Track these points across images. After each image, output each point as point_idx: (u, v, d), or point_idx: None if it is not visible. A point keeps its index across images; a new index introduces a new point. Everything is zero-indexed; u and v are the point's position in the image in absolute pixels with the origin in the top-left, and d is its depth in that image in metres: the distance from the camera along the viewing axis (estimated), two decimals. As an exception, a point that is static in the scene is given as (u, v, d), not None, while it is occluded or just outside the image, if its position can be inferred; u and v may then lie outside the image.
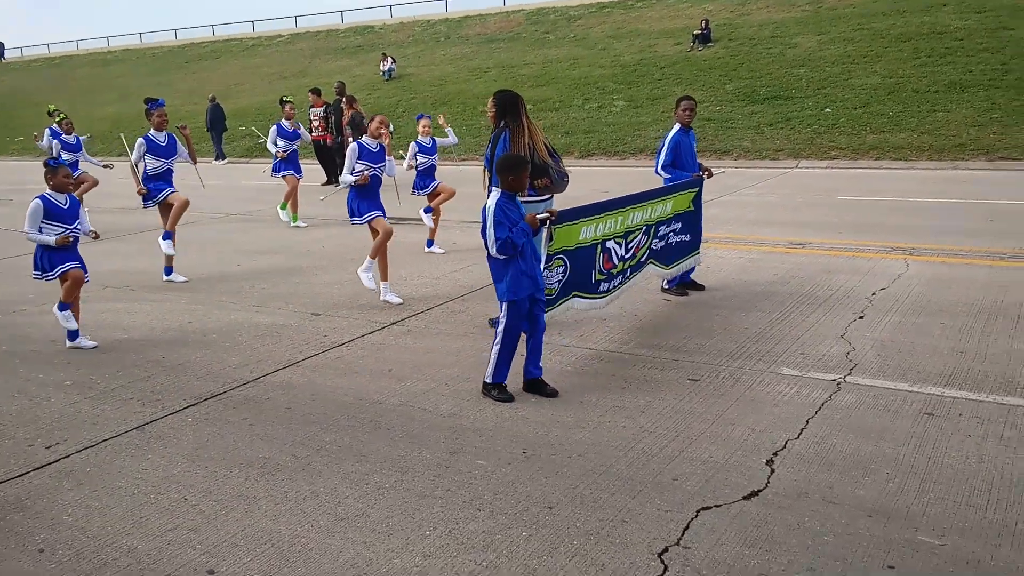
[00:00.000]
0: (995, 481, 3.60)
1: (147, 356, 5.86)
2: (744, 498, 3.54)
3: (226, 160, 23.33)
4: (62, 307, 6.00)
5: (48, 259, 5.89)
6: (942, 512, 3.36)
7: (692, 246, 6.84)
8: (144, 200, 8.12)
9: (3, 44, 52.46)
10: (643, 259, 6.12)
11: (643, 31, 28.35)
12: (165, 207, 8.14)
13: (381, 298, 7.07)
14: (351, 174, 6.94)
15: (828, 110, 17.97)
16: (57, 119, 12.28)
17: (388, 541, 3.30)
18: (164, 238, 8.15)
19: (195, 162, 8.46)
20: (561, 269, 5.11)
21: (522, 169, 4.65)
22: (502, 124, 5.79)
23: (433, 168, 9.18)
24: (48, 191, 5.88)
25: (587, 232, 5.30)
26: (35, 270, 5.93)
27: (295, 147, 11.59)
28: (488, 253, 4.67)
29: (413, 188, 9.25)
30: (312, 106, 16.12)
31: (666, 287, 6.96)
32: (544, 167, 5.75)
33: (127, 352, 5.98)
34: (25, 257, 6.78)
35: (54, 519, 3.58)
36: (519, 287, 4.62)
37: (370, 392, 4.98)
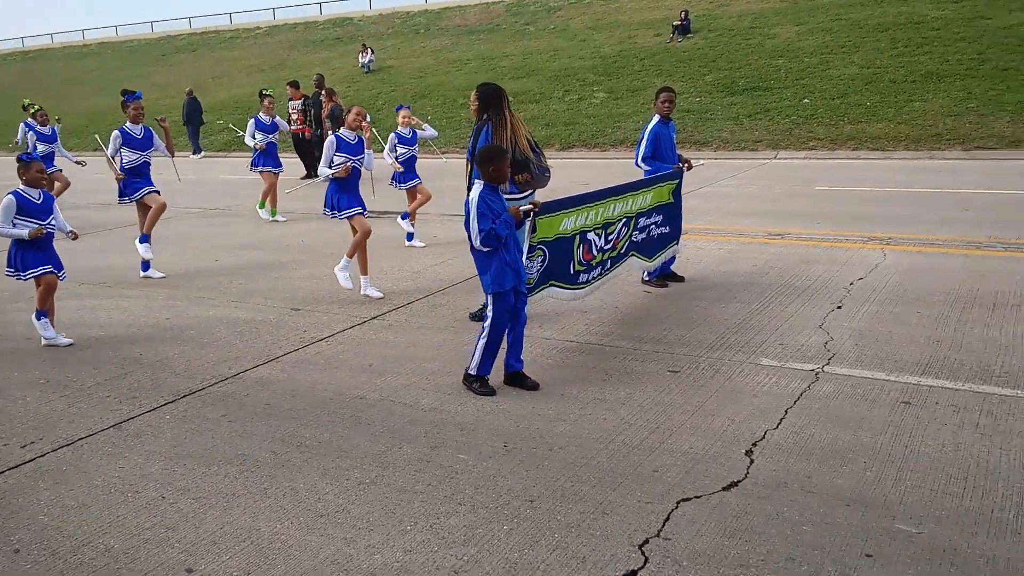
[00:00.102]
0: (971, 469, 3.64)
1: (124, 353, 5.81)
2: (724, 489, 3.55)
3: (202, 154, 23.12)
4: (39, 315, 5.94)
5: (22, 259, 5.80)
6: (919, 500, 3.40)
7: (672, 237, 6.87)
8: (120, 195, 8.03)
9: (-25, 37, 51.75)
10: (624, 251, 6.13)
11: (623, 22, 28.35)
12: (143, 206, 8.05)
13: (361, 292, 7.04)
14: (329, 167, 6.89)
15: (806, 101, 18.06)
16: (31, 111, 12.13)
17: (369, 537, 3.29)
18: (141, 241, 8.06)
19: (173, 155, 8.37)
20: (540, 259, 5.12)
21: (502, 159, 4.64)
22: (485, 117, 5.76)
23: (414, 159, 9.12)
24: (21, 186, 5.79)
25: (568, 223, 5.31)
26: (8, 267, 5.85)
27: (274, 140, 11.50)
28: (472, 246, 4.66)
29: (393, 179, 9.17)
30: (290, 99, 16.00)
31: (646, 279, 6.97)
32: (525, 162, 5.73)
33: (104, 349, 5.92)
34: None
35: (30, 519, 3.54)
36: (504, 279, 4.61)
37: (350, 387, 4.96)
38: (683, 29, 24.73)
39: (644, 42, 25.35)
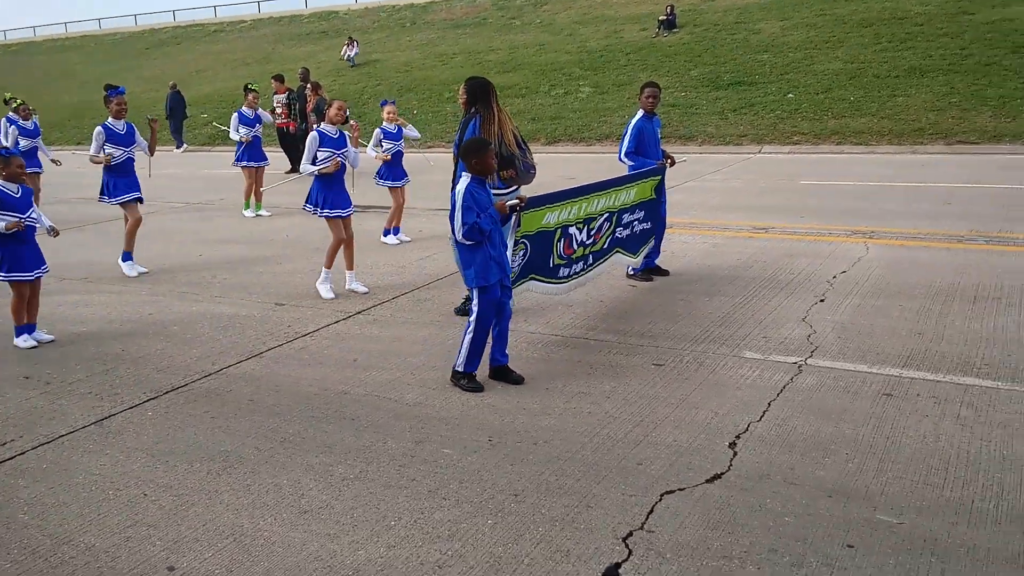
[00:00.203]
0: (952, 460, 3.67)
1: (106, 349, 5.76)
2: (707, 481, 3.57)
3: (184, 148, 22.93)
4: (18, 331, 5.88)
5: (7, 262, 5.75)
6: (900, 491, 3.42)
7: (652, 232, 6.87)
8: (102, 194, 7.92)
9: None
10: (606, 247, 6.13)
11: (609, 16, 28.34)
12: (131, 207, 7.95)
13: (346, 287, 7.01)
14: (313, 164, 6.79)
15: (791, 95, 18.12)
16: (13, 106, 11.98)
17: (353, 533, 3.28)
18: (124, 259, 8.03)
19: (152, 154, 8.26)
20: (523, 252, 5.13)
21: (485, 151, 4.62)
22: (473, 110, 5.75)
23: (400, 155, 9.04)
24: (0, 181, 5.73)
25: (551, 218, 5.32)
26: None
27: (258, 133, 11.42)
28: (455, 239, 4.64)
29: (378, 176, 9.08)
30: (275, 92, 15.90)
31: (631, 273, 6.98)
32: (511, 158, 5.71)
33: (85, 345, 5.87)
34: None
35: (9, 517, 3.50)
36: (488, 273, 4.60)
37: (335, 382, 4.94)
38: (669, 24, 24.76)
39: (630, 37, 25.35)
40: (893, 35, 20.36)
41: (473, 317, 4.69)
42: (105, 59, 39.67)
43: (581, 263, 5.81)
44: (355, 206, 7.20)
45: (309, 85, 15.82)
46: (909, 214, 9.14)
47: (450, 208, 4.63)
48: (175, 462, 3.96)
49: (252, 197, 11.37)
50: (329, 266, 6.92)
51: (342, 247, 6.92)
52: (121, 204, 7.90)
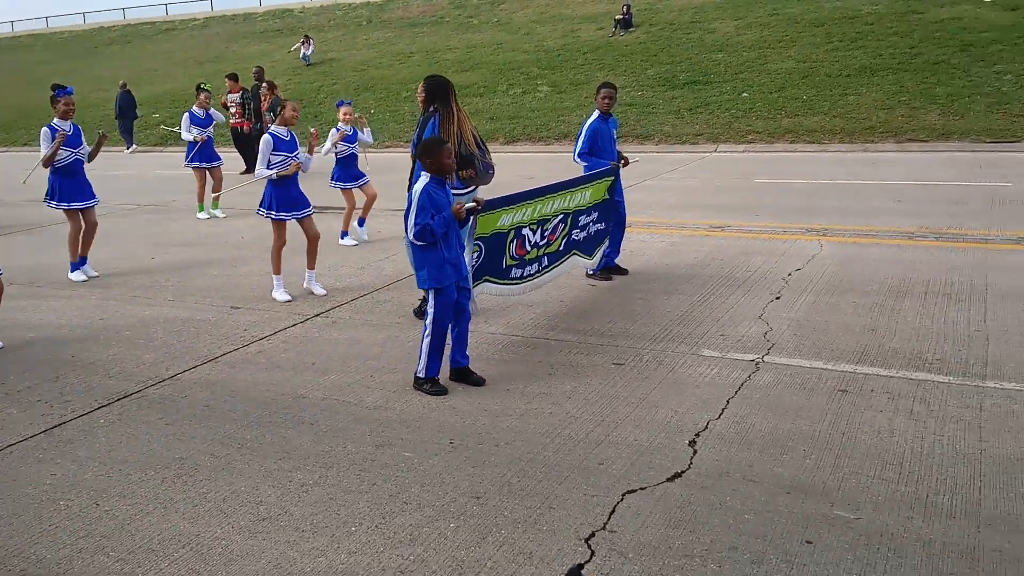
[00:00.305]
0: (906, 455, 3.74)
1: (56, 355, 5.61)
2: (668, 480, 3.59)
3: (134, 148, 22.46)
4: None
5: None
6: (856, 487, 3.48)
7: (606, 232, 6.89)
8: (50, 196, 7.70)
9: None
10: (562, 249, 6.13)
11: (566, 16, 28.45)
12: (73, 215, 7.73)
13: (304, 285, 6.93)
14: (268, 167, 6.67)
15: (745, 95, 18.36)
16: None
17: (312, 540, 3.24)
18: (72, 270, 7.81)
19: (90, 161, 7.95)
20: (477, 254, 5.11)
21: (439, 150, 4.58)
22: (432, 109, 5.70)
23: (355, 157, 8.96)
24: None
25: (506, 219, 5.30)
26: None
27: (210, 133, 11.21)
28: (408, 239, 4.61)
29: (332, 179, 8.97)
30: (229, 92, 15.65)
31: (591, 272, 7.00)
32: (470, 157, 5.68)
33: (34, 351, 5.72)
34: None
35: (-45, 532, 3.40)
36: (442, 275, 4.57)
37: (293, 386, 4.88)
38: (625, 23, 24.94)
39: (587, 36, 25.48)
40: (844, 34, 20.75)
41: (429, 320, 4.66)
42: (52, 58, 38.75)
43: (535, 264, 5.79)
44: (313, 207, 7.11)
45: (264, 84, 15.60)
46: (861, 212, 9.32)
47: (406, 207, 4.60)
48: (128, 471, 3.87)
49: (206, 198, 11.17)
50: (278, 271, 6.82)
51: (306, 246, 6.82)
52: (67, 211, 7.69)
